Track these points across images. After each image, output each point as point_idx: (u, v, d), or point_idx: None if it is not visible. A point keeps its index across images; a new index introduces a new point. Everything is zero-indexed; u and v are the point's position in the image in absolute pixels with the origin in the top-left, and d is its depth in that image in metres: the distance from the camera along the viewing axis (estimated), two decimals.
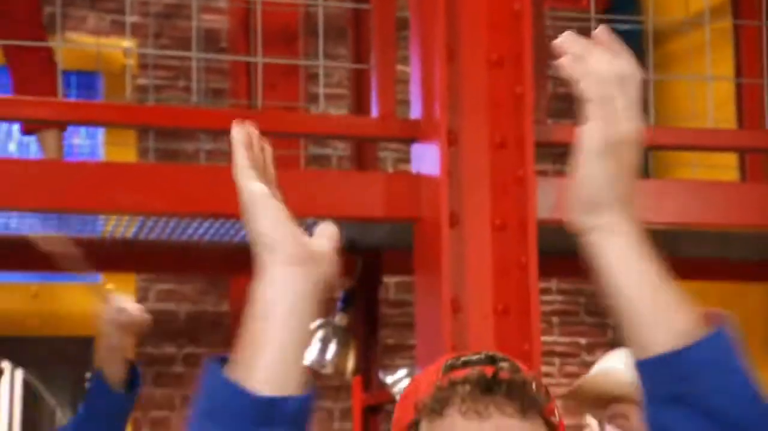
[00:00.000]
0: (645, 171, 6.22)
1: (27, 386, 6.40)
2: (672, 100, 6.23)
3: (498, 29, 4.11)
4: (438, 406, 1.79)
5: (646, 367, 1.53)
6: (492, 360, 1.89)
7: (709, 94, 5.32)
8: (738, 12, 5.76)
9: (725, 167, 5.56)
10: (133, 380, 3.51)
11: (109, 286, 4.40)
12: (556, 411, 1.89)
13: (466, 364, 1.88)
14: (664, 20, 6.76)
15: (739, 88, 5.53)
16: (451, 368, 1.87)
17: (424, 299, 4.37)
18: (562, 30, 4.62)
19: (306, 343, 1.57)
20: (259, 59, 5.14)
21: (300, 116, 5.42)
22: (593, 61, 1.48)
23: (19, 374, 6.40)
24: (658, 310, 1.53)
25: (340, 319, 5.22)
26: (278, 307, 1.41)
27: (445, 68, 4.07)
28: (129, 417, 3.86)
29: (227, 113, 5.63)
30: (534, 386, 1.81)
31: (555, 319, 7.08)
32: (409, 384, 2.18)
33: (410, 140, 4.30)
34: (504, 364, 1.89)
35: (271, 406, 1.43)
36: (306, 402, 1.45)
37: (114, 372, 3.69)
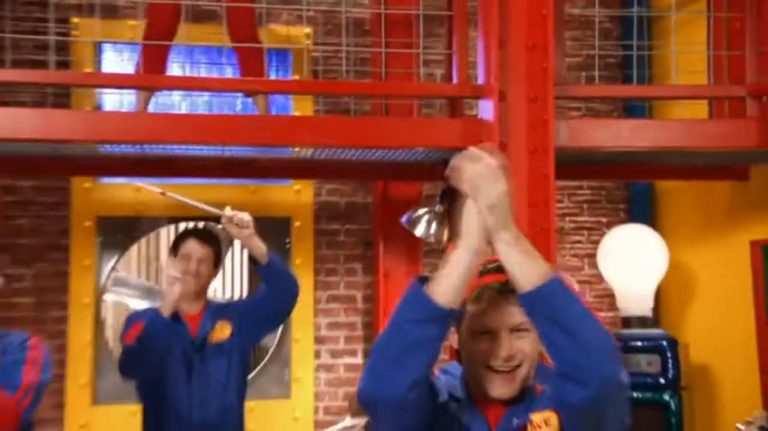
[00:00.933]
0: (648, 112, 6.64)
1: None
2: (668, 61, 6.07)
3: (532, 26, 4.56)
4: (476, 297, 2.29)
5: (523, 298, 2.08)
6: (501, 269, 2.24)
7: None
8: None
9: (702, 105, 5.73)
10: (268, 261, 4.26)
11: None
12: None
13: (490, 271, 2.31)
14: (659, 6, 6.64)
15: (708, 57, 5.47)
16: (483, 272, 2.30)
17: None
18: (571, 21, 4.84)
19: (464, 287, 2.17)
20: (383, 49, 5.53)
21: (412, 84, 5.58)
22: (468, 169, 2.04)
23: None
24: (527, 270, 2.05)
25: (438, 208, 5.29)
26: (461, 266, 2.05)
27: (498, 51, 4.54)
28: (282, 285, 4.49)
29: (364, 85, 5.97)
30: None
31: (585, 205, 7.01)
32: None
33: (477, 98, 4.81)
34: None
35: (446, 313, 2.08)
36: (458, 313, 2.16)
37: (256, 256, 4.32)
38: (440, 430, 2.35)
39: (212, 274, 4.57)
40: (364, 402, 2.31)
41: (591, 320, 2.10)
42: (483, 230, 2.12)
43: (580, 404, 2.13)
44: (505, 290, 2.22)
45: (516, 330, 2.25)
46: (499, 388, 2.26)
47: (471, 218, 2.12)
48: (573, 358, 2.10)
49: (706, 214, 6.26)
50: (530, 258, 2.08)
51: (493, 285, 2.26)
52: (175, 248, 4.50)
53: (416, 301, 2.13)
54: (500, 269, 2.20)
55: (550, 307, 2.09)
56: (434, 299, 2.08)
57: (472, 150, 2.12)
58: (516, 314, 2.24)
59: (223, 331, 4.51)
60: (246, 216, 4.25)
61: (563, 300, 2.09)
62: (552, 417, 2.30)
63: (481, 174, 2.06)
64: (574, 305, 2.08)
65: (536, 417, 2.31)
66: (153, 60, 5.19)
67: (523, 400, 2.33)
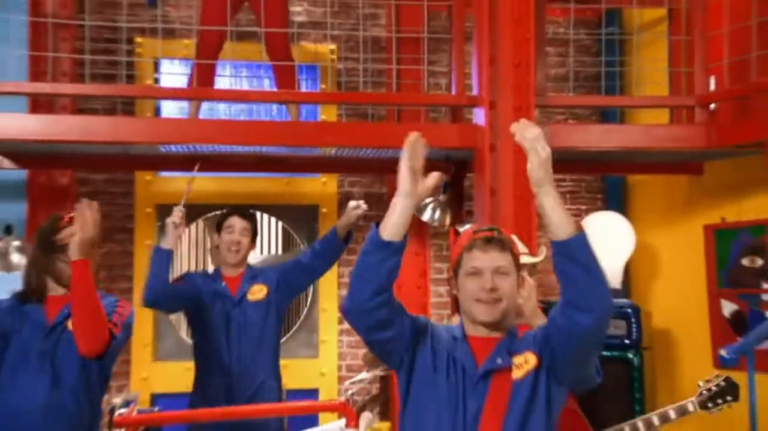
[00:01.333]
0: (620, 117, 6.60)
1: (284, 230, 6.68)
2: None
3: (517, 47, 4.66)
4: (469, 247, 2.64)
5: (558, 245, 2.40)
6: (492, 229, 2.68)
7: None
8: (671, 21, 5.66)
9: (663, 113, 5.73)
10: (347, 237, 4.53)
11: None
12: (518, 251, 2.76)
13: (482, 230, 2.68)
14: (630, 28, 6.26)
15: (670, 73, 5.55)
16: (476, 231, 2.69)
17: (478, 188, 4.83)
18: (556, 39, 5.30)
19: (406, 224, 2.48)
20: (394, 66, 5.58)
21: (419, 94, 5.64)
22: (527, 133, 2.38)
23: (280, 224, 6.64)
24: (562, 220, 2.38)
25: (441, 197, 5.50)
26: (398, 208, 2.43)
27: (489, 68, 4.68)
28: (338, 257, 4.80)
29: (380, 95, 6.01)
30: (509, 241, 2.69)
31: (567, 195, 6.92)
32: (461, 236, 2.82)
33: (472, 106, 4.92)
34: (497, 231, 2.69)
35: (389, 244, 2.46)
36: (403, 243, 2.48)
37: (342, 230, 4.53)
38: (438, 364, 2.60)
39: (251, 245, 4.69)
40: (344, 314, 2.66)
41: (600, 267, 2.42)
42: (410, 177, 2.51)
43: (588, 327, 2.43)
44: (492, 240, 2.57)
45: (498, 271, 2.54)
46: (483, 314, 2.54)
47: (403, 170, 2.50)
48: (587, 290, 2.40)
49: (668, 203, 6.26)
50: (564, 211, 2.40)
51: (482, 237, 2.57)
52: (219, 225, 4.65)
53: (371, 239, 2.50)
54: (490, 230, 2.62)
55: (578, 253, 2.39)
56: (380, 235, 2.46)
57: (529, 123, 2.47)
58: (498, 259, 2.56)
59: (260, 292, 4.62)
60: (364, 205, 4.55)
61: (588, 249, 2.39)
62: (531, 356, 2.56)
63: (538, 137, 2.39)
64: (593, 254, 2.39)
65: (517, 359, 2.57)
66: (203, 74, 5.28)
67: (506, 340, 2.59)
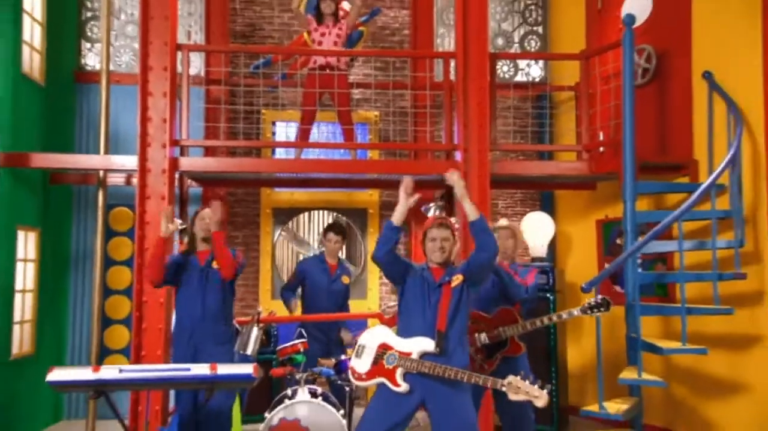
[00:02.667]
0: (549, 156, 6.50)
1: (347, 223, 6.63)
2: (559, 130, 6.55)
3: (480, 117, 5.11)
4: (430, 228, 3.24)
5: (470, 224, 3.04)
6: (444, 218, 3.24)
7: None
8: (577, 101, 5.97)
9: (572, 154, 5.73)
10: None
11: None
12: (454, 228, 3.26)
13: (437, 218, 3.26)
14: (554, 103, 6.75)
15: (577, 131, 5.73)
16: (434, 219, 3.27)
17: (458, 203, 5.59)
18: (506, 108, 6.25)
19: (402, 219, 3.11)
20: (410, 128, 5.90)
21: (426, 143, 5.93)
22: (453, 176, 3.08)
23: (344, 219, 6.66)
24: (473, 212, 3.06)
25: (440, 203, 5.94)
26: (399, 210, 3.14)
27: (464, 129, 5.14)
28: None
29: (403, 144, 6.19)
30: (448, 222, 3.25)
31: (519, 201, 6.99)
32: (427, 220, 3.28)
33: (454, 150, 5.26)
34: (444, 219, 3.26)
35: (396, 227, 3.17)
36: (401, 228, 3.14)
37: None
38: (417, 281, 3.24)
39: (341, 247, 5.30)
40: (373, 260, 3.23)
41: (491, 232, 3.11)
42: (404, 197, 3.08)
43: (487, 259, 3.12)
44: (441, 225, 3.24)
45: (444, 239, 3.21)
46: (436, 259, 3.24)
47: (401, 193, 3.10)
48: (485, 243, 3.10)
49: (576, 207, 6.52)
50: (474, 208, 3.11)
51: (436, 223, 3.24)
52: (325, 234, 5.19)
53: (387, 225, 3.16)
54: (443, 219, 3.23)
55: (479, 226, 3.10)
56: (392, 222, 3.13)
57: (456, 172, 3.20)
58: (444, 232, 3.21)
59: (345, 280, 5.20)
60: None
61: (484, 223, 3.10)
62: (460, 276, 3.23)
63: (458, 178, 3.18)
64: (487, 226, 3.10)
65: (454, 278, 3.23)
66: (304, 131, 5.66)
67: (448, 269, 3.24)
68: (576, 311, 3.83)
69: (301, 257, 6.58)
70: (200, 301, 4.05)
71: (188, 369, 3.10)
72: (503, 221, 4.22)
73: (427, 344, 3.09)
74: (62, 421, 6.08)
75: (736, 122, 4.79)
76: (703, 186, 4.50)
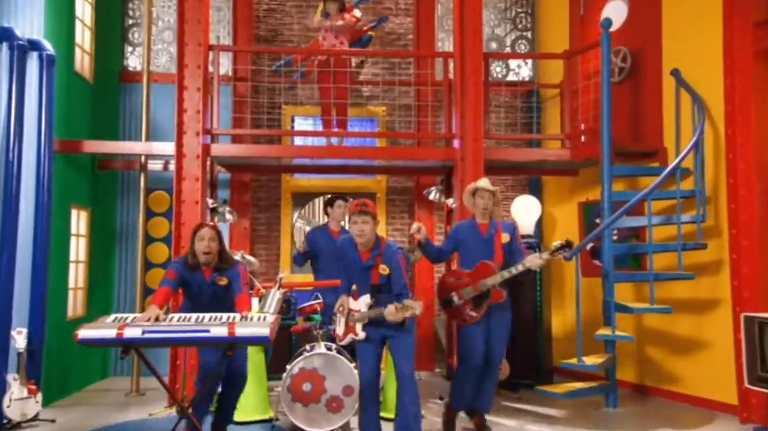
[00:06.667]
0: (539, 144, 6.55)
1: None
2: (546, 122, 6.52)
3: (475, 109, 5.21)
4: (352, 213, 3.32)
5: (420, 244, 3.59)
6: (364, 203, 3.28)
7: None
8: (561, 96, 6.04)
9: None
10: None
11: None
12: (375, 213, 3.32)
13: (358, 205, 3.30)
14: (541, 98, 6.72)
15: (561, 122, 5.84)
16: (354, 205, 3.32)
17: (456, 180, 5.16)
18: (502, 103, 6.47)
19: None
20: (413, 118, 5.90)
21: (428, 133, 5.99)
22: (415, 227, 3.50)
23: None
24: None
25: (441, 187, 6.00)
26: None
27: (460, 119, 5.27)
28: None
29: (407, 134, 6.16)
30: (371, 210, 3.29)
31: (510, 186, 6.82)
32: (349, 205, 3.30)
33: (453, 138, 5.39)
34: (365, 205, 3.31)
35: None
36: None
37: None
38: (351, 263, 3.35)
39: (345, 213, 4.89)
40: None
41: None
42: (415, 233, 3.32)
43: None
44: (362, 211, 3.32)
45: (364, 222, 3.33)
46: (360, 243, 3.36)
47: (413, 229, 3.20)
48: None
49: (561, 190, 6.52)
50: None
51: (356, 209, 3.33)
52: (332, 203, 4.92)
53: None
54: (363, 205, 3.26)
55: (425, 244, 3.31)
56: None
57: (418, 224, 3.22)
58: (365, 217, 3.32)
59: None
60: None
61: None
62: (386, 267, 3.42)
63: (419, 227, 3.33)
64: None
65: (381, 265, 3.40)
66: (326, 122, 5.78)
67: (372, 253, 3.37)
68: (545, 255, 3.82)
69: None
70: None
71: (207, 331, 2.99)
72: (483, 182, 4.13)
73: (366, 299, 3.49)
74: (109, 378, 6.22)
75: (699, 112, 4.90)
76: (668, 168, 4.66)
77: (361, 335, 3.51)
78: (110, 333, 3.04)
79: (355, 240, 3.43)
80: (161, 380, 3.43)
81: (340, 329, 3.63)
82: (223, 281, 3.53)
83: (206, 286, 3.56)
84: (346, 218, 4.61)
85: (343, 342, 3.65)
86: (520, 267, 3.86)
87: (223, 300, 3.54)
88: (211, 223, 3.67)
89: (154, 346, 3.53)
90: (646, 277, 4.76)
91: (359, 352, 3.57)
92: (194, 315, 3.27)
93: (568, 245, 3.81)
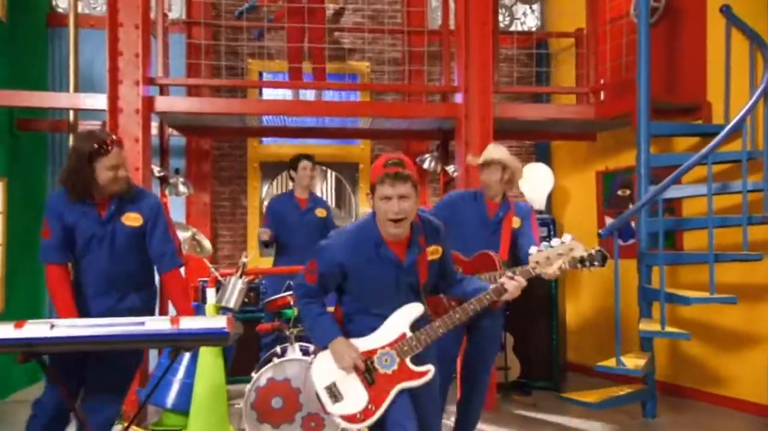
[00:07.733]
0: (549, 100, 6.12)
1: (337, 178, 6.12)
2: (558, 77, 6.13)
3: (482, 57, 4.51)
4: (381, 180, 2.10)
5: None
6: (400, 162, 2.09)
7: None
8: (577, 44, 5.63)
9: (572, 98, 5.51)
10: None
11: None
12: (416, 181, 2.12)
13: (389, 165, 2.09)
14: (555, 46, 6.25)
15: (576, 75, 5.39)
16: (385, 165, 2.09)
17: (458, 142, 4.54)
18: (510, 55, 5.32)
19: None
20: (406, 67, 5.46)
21: (421, 85, 5.56)
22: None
23: (335, 173, 6.09)
24: None
25: (436, 154, 5.45)
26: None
27: (464, 69, 4.53)
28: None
29: (397, 86, 5.68)
30: (412, 174, 2.10)
31: (517, 154, 6.69)
32: (374, 167, 2.16)
33: (454, 92, 4.68)
34: (402, 164, 2.10)
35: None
36: None
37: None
38: (371, 258, 2.19)
39: (313, 177, 4.53)
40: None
41: None
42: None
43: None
44: (399, 176, 2.10)
45: (402, 197, 2.10)
46: (393, 230, 2.13)
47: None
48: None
49: (574, 158, 6.02)
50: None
51: (390, 173, 2.10)
52: (296, 162, 4.40)
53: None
54: (396, 164, 2.09)
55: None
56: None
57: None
58: (401, 188, 2.09)
59: (322, 213, 4.55)
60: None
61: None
62: (439, 248, 2.26)
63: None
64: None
65: (429, 249, 2.23)
66: (294, 74, 5.15)
67: (413, 242, 2.20)
68: (565, 265, 2.43)
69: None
70: (106, 268, 2.56)
71: (142, 323, 2.16)
72: (498, 153, 3.19)
73: (414, 308, 2.24)
74: (40, 382, 5.15)
75: (764, 56, 4.05)
76: (732, 122, 3.85)
77: (425, 367, 2.20)
78: (5, 331, 2.10)
79: (382, 231, 2.17)
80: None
81: (351, 398, 2.17)
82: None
83: (101, 224, 2.55)
84: (319, 184, 4.26)
85: (374, 418, 2.19)
86: (521, 278, 2.37)
87: (124, 247, 2.56)
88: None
89: (71, 348, 2.28)
90: (703, 258, 3.85)
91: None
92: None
93: (599, 257, 2.41)
